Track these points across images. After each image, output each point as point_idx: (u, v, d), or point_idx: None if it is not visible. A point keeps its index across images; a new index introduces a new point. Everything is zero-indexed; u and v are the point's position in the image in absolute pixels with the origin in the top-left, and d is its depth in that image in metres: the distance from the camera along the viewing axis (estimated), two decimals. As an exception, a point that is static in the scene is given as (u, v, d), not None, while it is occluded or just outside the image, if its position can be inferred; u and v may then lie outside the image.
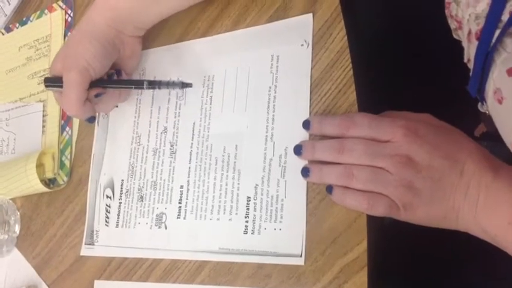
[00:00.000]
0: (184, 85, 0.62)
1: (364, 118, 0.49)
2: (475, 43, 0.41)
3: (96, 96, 0.61)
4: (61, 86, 0.59)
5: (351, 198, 0.49)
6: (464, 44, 0.45)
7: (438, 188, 0.46)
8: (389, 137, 0.48)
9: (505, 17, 0.38)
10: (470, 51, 0.43)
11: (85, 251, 0.67)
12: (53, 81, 0.61)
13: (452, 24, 0.48)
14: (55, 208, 0.72)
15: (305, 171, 0.52)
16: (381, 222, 0.55)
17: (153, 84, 0.62)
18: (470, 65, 0.44)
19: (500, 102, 0.39)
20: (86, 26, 0.61)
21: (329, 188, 0.50)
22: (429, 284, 0.59)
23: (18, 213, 0.76)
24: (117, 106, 0.68)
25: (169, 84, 0.62)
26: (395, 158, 0.47)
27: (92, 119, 0.63)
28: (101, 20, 0.61)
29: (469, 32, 0.43)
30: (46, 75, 0.62)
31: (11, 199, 0.76)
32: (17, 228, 0.75)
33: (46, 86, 0.62)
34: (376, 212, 0.48)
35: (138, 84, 0.63)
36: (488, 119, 0.45)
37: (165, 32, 0.66)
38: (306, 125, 0.54)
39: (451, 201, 0.46)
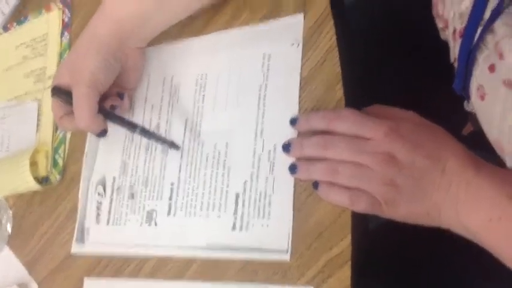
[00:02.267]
0: (172, 145, 0.62)
1: (350, 113, 0.50)
2: (459, 41, 0.42)
3: (112, 108, 0.63)
4: (69, 99, 0.60)
5: (335, 193, 0.49)
6: (450, 43, 0.46)
7: (419, 186, 0.47)
8: (371, 135, 0.48)
9: (486, 15, 0.38)
10: (455, 50, 0.44)
11: (75, 248, 0.67)
12: (61, 92, 0.62)
13: (440, 24, 0.49)
14: (47, 206, 0.72)
15: (293, 168, 0.53)
16: (366, 224, 0.56)
17: (144, 133, 0.63)
18: (456, 65, 0.45)
19: (482, 98, 0.40)
20: (90, 39, 0.61)
21: (315, 184, 0.51)
22: (413, 280, 0.59)
23: (11, 212, 0.76)
24: None
25: (159, 139, 0.62)
26: (377, 155, 0.47)
27: (103, 133, 0.63)
28: (104, 32, 0.61)
29: (454, 31, 0.44)
30: (54, 85, 0.62)
31: (3, 197, 0.77)
32: (9, 227, 0.76)
33: (53, 95, 0.62)
34: (358, 208, 0.48)
35: (132, 126, 0.63)
36: (474, 118, 0.46)
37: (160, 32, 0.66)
38: (293, 121, 0.54)
39: (433, 198, 0.46)
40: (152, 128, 0.65)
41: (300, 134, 0.55)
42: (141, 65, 0.66)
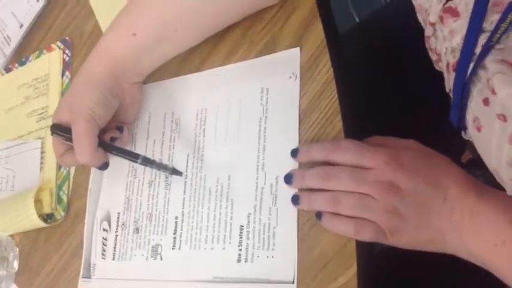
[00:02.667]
0: (174, 172, 0.63)
1: (349, 144, 0.51)
2: (453, 74, 0.43)
3: (112, 140, 0.63)
4: (69, 135, 0.61)
5: (339, 224, 0.50)
6: (445, 75, 0.47)
7: (422, 214, 0.48)
8: (371, 164, 0.49)
9: (477, 50, 0.40)
10: (450, 82, 0.45)
11: (82, 284, 0.67)
12: (60, 130, 0.62)
13: (433, 57, 0.50)
14: (52, 243, 0.73)
15: (295, 199, 0.54)
16: (371, 250, 0.56)
17: (146, 162, 0.63)
18: (452, 96, 0.46)
19: (479, 130, 0.41)
20: (87, 76, 0.63)
21: (318, 215, 0.52)
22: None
23: (17, 249, 0.77)
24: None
25: (161, 167, 0.63)
26: (379, 184, 0.48)
27: (105, 166, 0.63)
28: (100, 70, 0.62)
29: (447, 64, 0.45)
30: (53, 123, 0.63)
31: (9, 235, 0.77)
32: (16, 264, 0.76)
33: (52, 133, 0.63)
34: (363, 237, 0.49)
35: (133, 157, 0.63)
36: (472, 146, 0.47)
37: (160, 68, 0.68)
38: (294, 153, 0.55)
39: (437, 225, 0.47)
40: (155, 163, 0.66)
41: (302, 165, 0.56)
42: (139, 99, 0.67)
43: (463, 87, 0.41)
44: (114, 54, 0.62)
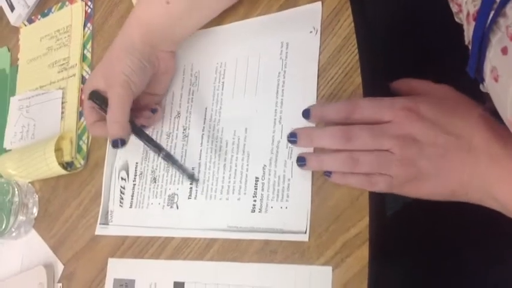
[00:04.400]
0: (192, 178, 0.63)
1: (367, 101, 0.51)
2: (473, 24, 0.43)
3: (153, 111, 0.65)
4: (103, 105, 0.62)
5: (351, 177, 0.50)
6: (465, 26, 0.47)
7: (444, 165, 0.47)
8: (390, 117, 0.49)
9: None
10: (469, 33, 0.45)
11: (100, 230, 0.69)
12: (97, 97, 0.63)
13: (454, 8, 0.49)
14: (72, 191, 0.75)
15: (301, 160, 0.53)
16: (383, 208, 0.57)
17: (168, 158, 0.64)
18: (470, 47, 0.46)
19: (496, 80, 0.41)
20: (123, 43, 0.63)
21: (327, 172, 0.52)
22: (429, 261, 0.61)
23: (37, 196, 0.79)
24: None
25: (180, 168, 0.63)
26: (398, 138, 0.48)
27: (123, 142, 0.61)
28: (136, 37, 0.62)
29: (468, 14, 0.44)
30: (93, 90, 0.64)
31: (29, 182, 0.79)
32: (35, 210, 0.78)
33: (89, 99, 0.64)
34: (377, 188, 0.49)
35: (157, 147, 0.64)
36: (489, 100, 0.47)
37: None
38: (306, 114, 0.53)
39: (460, 177, 0.47)
40: (173, 116, 0.67)
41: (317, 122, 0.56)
42: (172, 68, 0.67)
43: (482, 36, 0.40)
44: (148, 22, 0.62)
